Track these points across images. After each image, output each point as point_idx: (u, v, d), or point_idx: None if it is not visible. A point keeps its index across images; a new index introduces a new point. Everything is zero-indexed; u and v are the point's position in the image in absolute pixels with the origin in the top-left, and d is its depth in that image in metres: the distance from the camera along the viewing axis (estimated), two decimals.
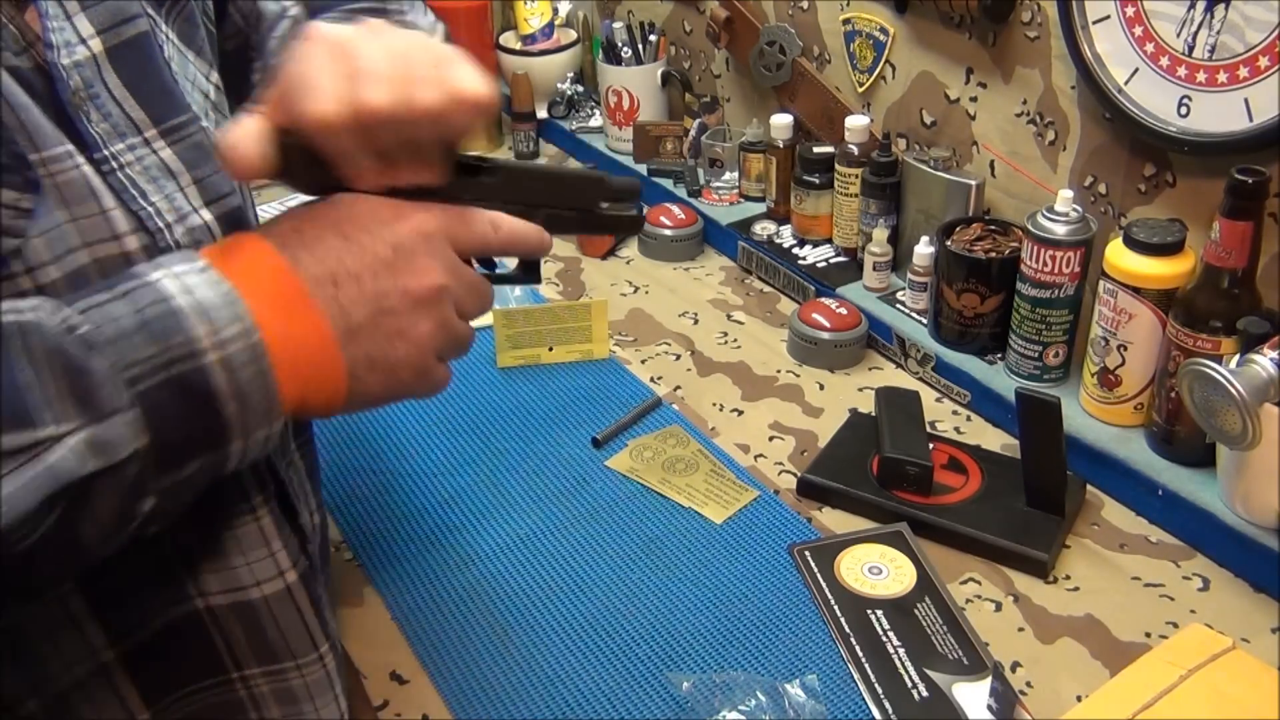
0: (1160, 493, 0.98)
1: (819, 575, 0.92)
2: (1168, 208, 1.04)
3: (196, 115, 0.67)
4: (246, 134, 0.56)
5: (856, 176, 1.30)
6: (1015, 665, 0.85)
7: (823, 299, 1.27)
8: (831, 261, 1.36)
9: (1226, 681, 0.79)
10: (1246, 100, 0.92)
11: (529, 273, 0.72)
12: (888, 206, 1.27)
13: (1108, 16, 1.02)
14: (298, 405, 0.56)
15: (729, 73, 1.59)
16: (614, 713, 0.81)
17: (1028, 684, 0.83)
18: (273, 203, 1.61)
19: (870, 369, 1.23)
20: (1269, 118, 0.90)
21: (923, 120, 1.29)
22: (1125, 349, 1.01)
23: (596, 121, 1.75)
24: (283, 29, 0.80)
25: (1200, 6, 0.94)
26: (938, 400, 1.17)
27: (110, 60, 0.60)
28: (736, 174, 1.52)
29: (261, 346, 0.53)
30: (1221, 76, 0.94)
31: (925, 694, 0.81)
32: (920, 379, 1.20)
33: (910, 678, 0.82)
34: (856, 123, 1.29)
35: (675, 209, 1.48)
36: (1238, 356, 0.88)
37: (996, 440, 1.10)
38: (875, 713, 0.80)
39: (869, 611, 0.89)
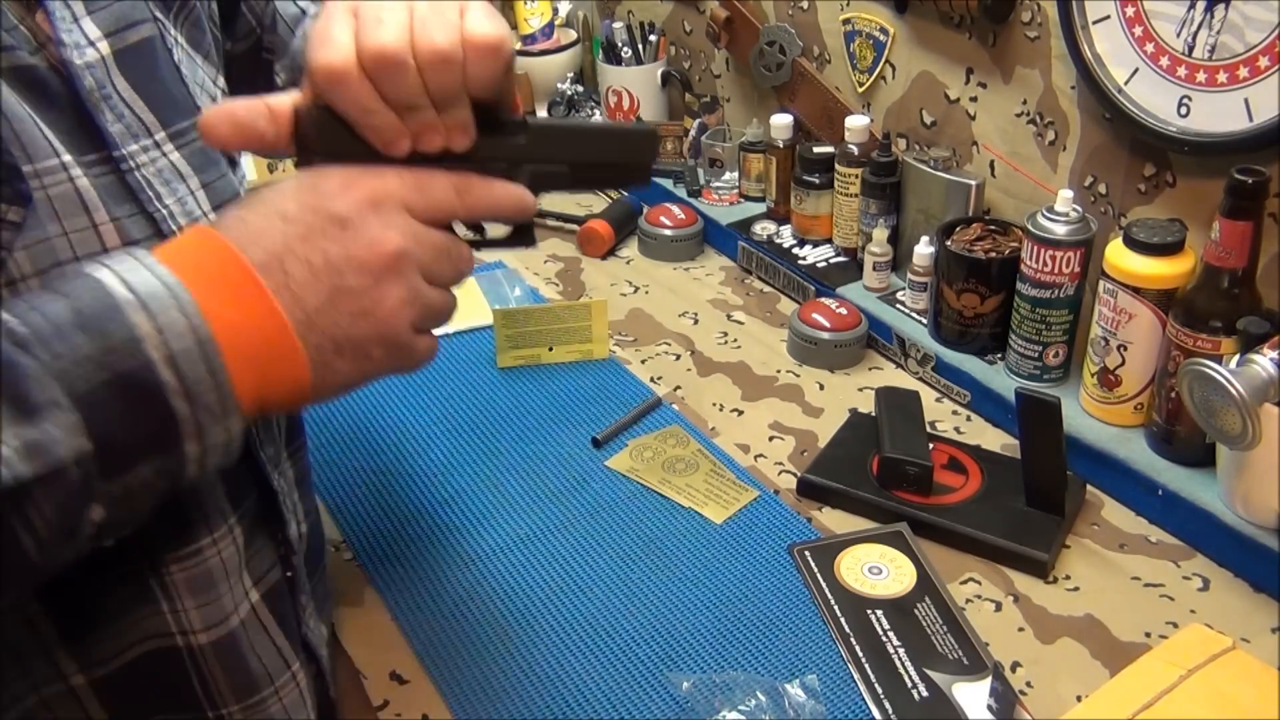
0: (1160, 493, 0.98)
1: (819, 575, 0.92)
2: (1168, 208, 1.04)
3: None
4: (219, 107, 0.55)
5: (856, 176, 1.30)
6: (1015, 665, 0.85)
7: (823, 299, 1.27)
8: (831, 261, 1.36)
9: (1226, 681, 0.79)
10: (1246, 100, 0.92)
11: (519, 236, 0.68)
12: (888, 206, 1.27)
13: (1108, 16, 1.02)
14: (257, 400, 0.53)
15: (729, 73, 1.59)
16: (614, 713, 0.81)
17: (1028, 684, 0.83)
18: None
19: (870, 369, 1.23)
20: (1269, 118, 0.90)
21: (923, 120, 1.29)
22: (1125, 349, 1.01)
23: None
24: (305, 26, 0.79)
25: (1200, 6, 0.94)
26: (938, 400, 1.17)
27: (117, 63, 0.61)
28: (736, 174, 1.52)
29: (209, 337, 0.50)
30: (1221, 76, 0.94)
31: (925, 694, 0.81)
32: (920, 379, 1.20)
33: (910, 678, 0.82)
34: (856, 123, 1.29)
35: (675, 209, 1.48)
36: (1238, 356, 0.87)
37: (996, 440, 1.10)
38: (875, 713, 0.80)
39: (869, 611, 0.89)
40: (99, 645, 0.61)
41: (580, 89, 1.80)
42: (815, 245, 1.39)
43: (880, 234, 1.27)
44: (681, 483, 1.04)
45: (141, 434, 0.49)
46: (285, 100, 0.56)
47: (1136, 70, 1.00)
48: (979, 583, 0.93)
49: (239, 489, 0.66)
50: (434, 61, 0.53)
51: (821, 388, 1.19)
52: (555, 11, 1.83)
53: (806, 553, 0.95)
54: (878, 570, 0.93)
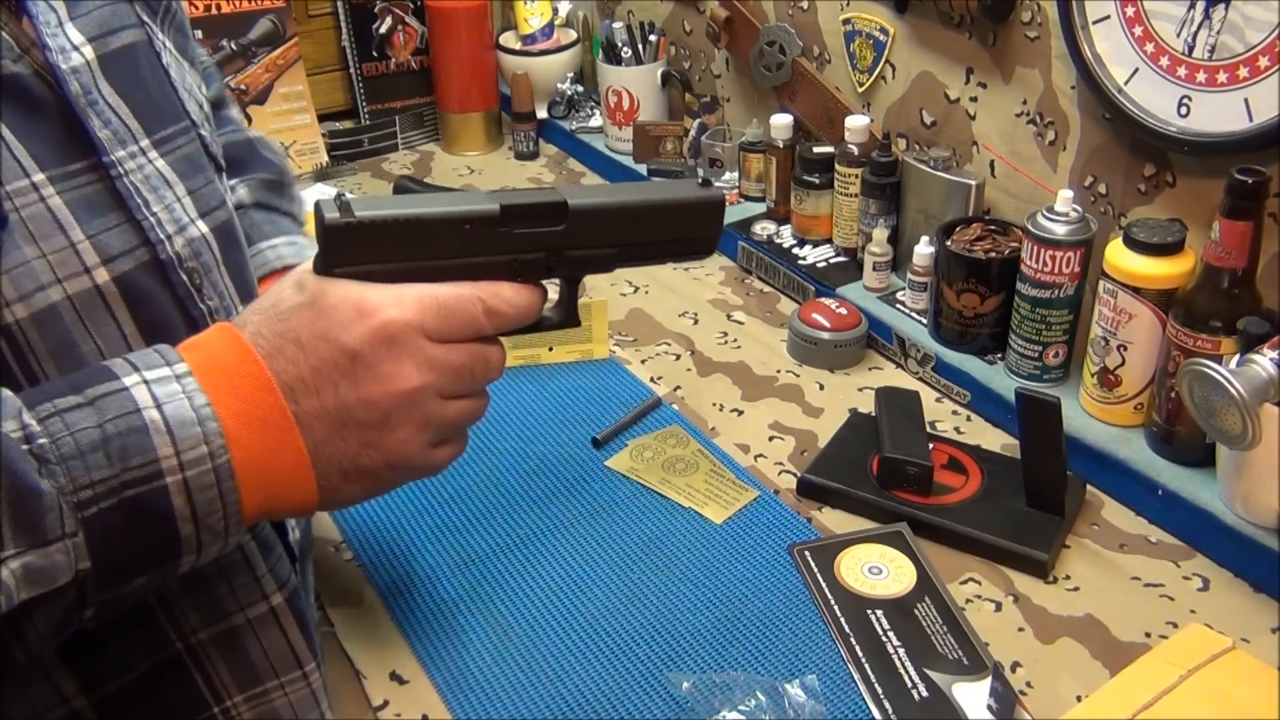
0: (1160, 493, 0.98)
1: (819, 575, 0.92)
2: (1168, 208, 1.04)
3: (187, 127, 0.66)
4: None
5: (856, 176, 1.30)
6: (1015, 665, 0.85)
7: (823, 299, 1.27)
8: (831, 261, 1.36)
9: (1226, 681, 0.79)
10: (1246, 100, 0.92)
11: (567, 319, 0.66)
12: (888, 206, 1.27)
13: (1108, 16, 1.02)
14: (260, 517, 0.54)
15: (729, 73, 1.59)
16: (614, 713, 0.81)
17: (1028, 684, 0.83)
18: None
19: (870, 369, 1.23)
20: (1269, 118, 0.90)
21: (923, 120, 1.29)
22: (1125, 349, 1.01)
23: (596, 121, 1.75)
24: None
25: (1200, 6, 0.94)
26: (938, 400, 1.17)
27: (102, 69, 0.60)
28: (736, 174, 1.52)
29: (228, 467, 0.50)
30: (1221, 76, 0.94)
31: (925, 694, 0.81)
32: (920, 379, 1.20)
33: (910, 678, 0.82)
34: (856, 123, 1.29)
35: None
36: (1238, 356, 0.87)
37: (996, 440, 1.10)
38: (875, 713, 0.80)
39: (869, 611, 0.89)
40: (100, 665, 0.60)
41: (580, 89, 1.80)
42: (815, 245, 1.39)
43: (880, 234, 1.27)
44: (681, 483, 1.04)
45: (143, 553, 0.50)
46: None
47: (1136, 70, 1.00)
48: (979, 583, 0.93)
49: None
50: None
51: (821, 388, 1.19)
52: (555, 11, 1.83)
53: (806, 553, 0.95)
54: (878, 570, 0.93)
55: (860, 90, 1.36)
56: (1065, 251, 1.03)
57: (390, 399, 0.55)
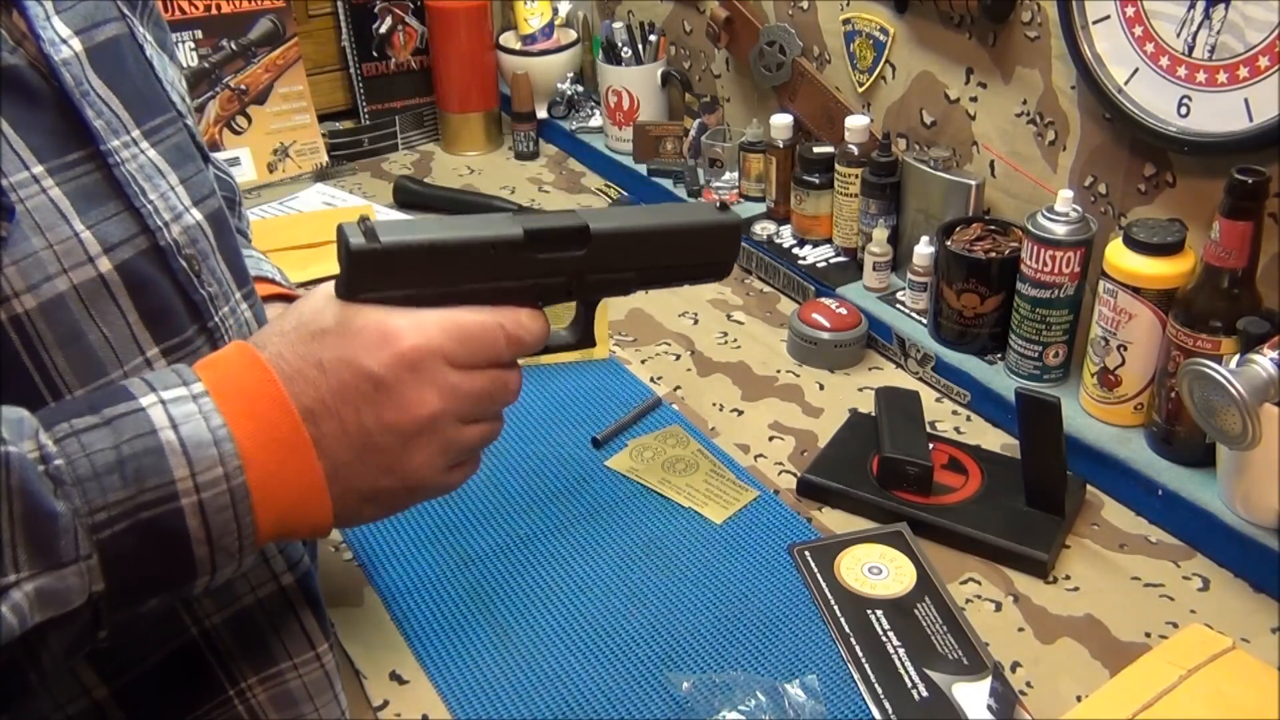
0: (1160, 493, 0.98)
1: (819, 575, 0.92)
2: (1168, 208, 1.04)
3: (174, 117, 0.67)
4: None
5: (856, 176, 1.30)
6: (1015, 665, 0.85)
7: (823, 299, 1.27)
8: (831, 261, 1.36)
9: (1226, 681, 0.79)
10: (1246, 100, 0.92)
11: (583, 340, 0.66)
12: (888, 206, 1.27)
13: (1108, 16, 1.02)
14: (274, 538, 0.54)
15: (729, 73, 1.59)
16: (614, 713, 0.81)
17: (1028, 684, 0.83)
18: (272, 203, 1.61)
19: (870, 369, 1.23)
20: (1269, 118, 0.90)
21: (923, 120, 1.29)
22: (1125, 349, 1.01)
23: (596, 121, 1.75)
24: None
25: (1200, 6, 0.94)
26: (938, 400, 1.17)
27: (90, 61, 0.60)
28: (736, 174, 1.52)
29: (244, 489, 0.50)
30: (1221, 76, 0.94)
31: (925, 694, 0.81)
32: (920, 379, 1.20)
33: (910, 678, 0.82)
34: (856, 123, 1.29)
35: None
36: (1238, 356, 0.88)
37: (996, 440, 1.10)
38: (875, 713, 0.80)
39: (869, 611, 0.89)
40: (119, 655, 0.60)
41: (580, 89, 1.80)
42: (815, 245, 1.39)
43: (880, 234, 1.27)
44: (681, 483, 1.04)
45: (157, 574, 0.50)
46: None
47: (1136, 70, 1.00)
48: (979, 583, 0.93)
49: None
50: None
51: (821, 388, 1.19)
52: (555, 11, 1.83)
53: (806, 553, 0.95)
54: (878, 570, 0.93)
55: (860, 90, 1.36)
56: (1065, 251, 1.03)
57: (411, 424, 0.55)
